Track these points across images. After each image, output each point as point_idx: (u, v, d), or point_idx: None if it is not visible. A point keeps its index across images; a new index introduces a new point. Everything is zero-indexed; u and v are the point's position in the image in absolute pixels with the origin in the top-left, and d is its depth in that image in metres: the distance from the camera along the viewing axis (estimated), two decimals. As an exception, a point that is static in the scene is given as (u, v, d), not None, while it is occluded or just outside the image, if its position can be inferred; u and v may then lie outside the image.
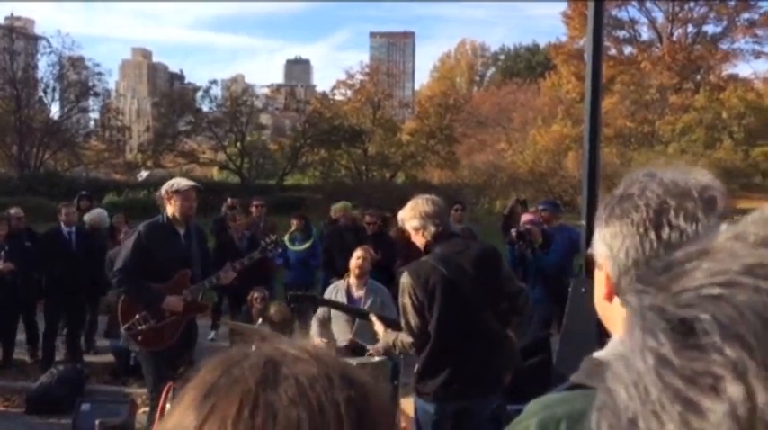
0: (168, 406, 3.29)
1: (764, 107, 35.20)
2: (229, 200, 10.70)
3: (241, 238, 8.83)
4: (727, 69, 38.85)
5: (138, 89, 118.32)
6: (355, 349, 5.07)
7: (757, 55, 38.56)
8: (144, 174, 37.55)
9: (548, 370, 5.09)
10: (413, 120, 40.28)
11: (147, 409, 5.69)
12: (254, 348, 0.67)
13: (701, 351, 0.37)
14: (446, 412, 3.70)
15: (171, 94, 44.76)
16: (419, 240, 3.80)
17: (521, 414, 1.20)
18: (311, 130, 34.68)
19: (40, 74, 37.80)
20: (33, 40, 42.95)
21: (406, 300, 3.70)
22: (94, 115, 42.25)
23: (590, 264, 1.32)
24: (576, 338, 3.95)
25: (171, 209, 5.14)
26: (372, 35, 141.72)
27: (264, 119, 43.40)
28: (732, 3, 37.21)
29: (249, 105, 36.42)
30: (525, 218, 7.67)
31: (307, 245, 9.10)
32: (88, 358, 8.18)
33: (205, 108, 37.07)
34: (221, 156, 37.08)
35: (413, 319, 3.69)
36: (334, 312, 5.38)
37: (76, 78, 37.15)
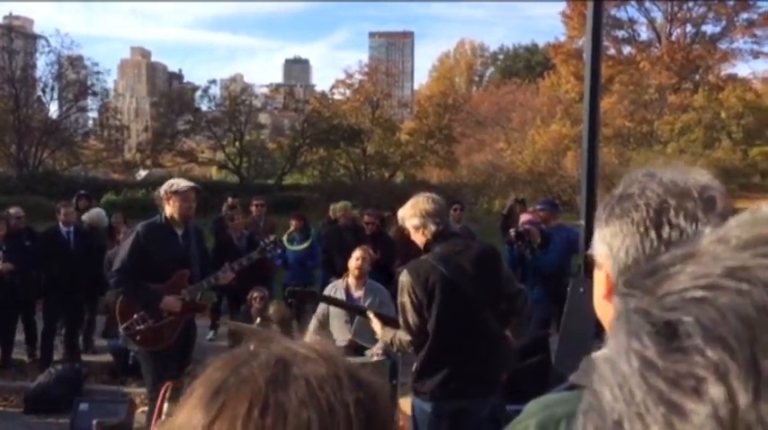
0: (166, 405, 3.29)
1: (763, 107, 35.22)
2: (230, 199, 10.70)
3: (240, 238, 8.83)
4: (726, 69, 38.94)
5: (136, 88, 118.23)
6: (356, 349, 5.08)
7: (756, 55, 38.62)
8: (142, 173, 37.53)
9: (546, 370, 5.08)
10: (412, 119, 40.27)
11: (145, 409, 5.69)
12: (262, 347, 0.67)
13: (684, 353, 0.38)
14: (443, 411, 3.70)
15: (170, 94, 44.75)
16: (419, 239, 3.79)
17: (520, 414, 1.19)
18: (310, 130, 34.66)
19: (38, 73, 37.83)
20: (32, 39, 42.94)
21: (405, 298, 3.69)
22: (93, 114, 42.27)
23: (589, 264, 1.32)
24: (575, 338, 3.95)
25: (170, 209, 5.14)
26: (371, 35, 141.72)
27: (263, 118, 43.39)
28: (731, 3, 37.24)
29: (248, 105, 36.40)
30: (524, 218, 7.68)
31: (305, 245, 9.11)
32: (86, 358, 8.17)
33: (204, 107, 37.10)
34: (220, 156, 37.06)
35: (411, 318, 3.68)
36: (333, 312, 5.37)
37: (75, 78, 37.12)
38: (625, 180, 1.19)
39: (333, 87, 38.60)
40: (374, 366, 4.52)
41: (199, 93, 38.04)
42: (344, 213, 9.55)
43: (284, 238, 8.58)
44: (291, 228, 9.24)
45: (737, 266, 0.39)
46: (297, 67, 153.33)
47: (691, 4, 38.33)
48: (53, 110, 37.71)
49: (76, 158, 36.41)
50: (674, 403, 0.37)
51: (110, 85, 48.06)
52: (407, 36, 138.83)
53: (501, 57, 67.26)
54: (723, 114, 34.12)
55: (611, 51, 37.28)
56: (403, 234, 9.17)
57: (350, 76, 37.58)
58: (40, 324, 8.19)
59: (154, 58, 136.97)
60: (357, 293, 5.47)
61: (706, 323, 0.37)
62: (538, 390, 1.34)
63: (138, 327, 5.06)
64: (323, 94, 39.62)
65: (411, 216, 3.76)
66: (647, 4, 38.87)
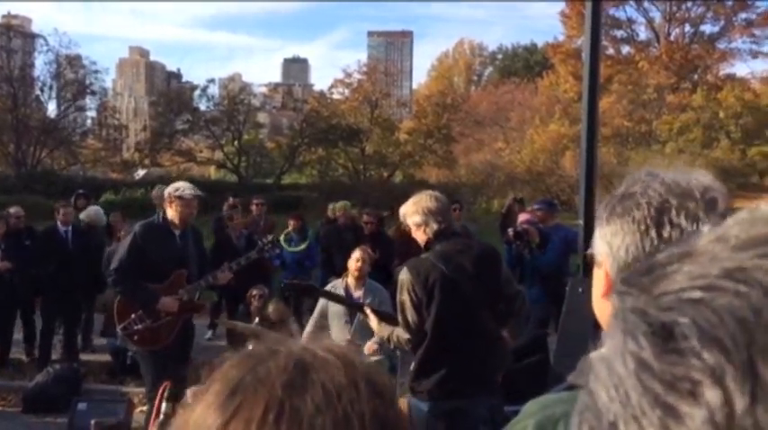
0: (164, 405, 3.28)
1: (762, 107, 35.23)
2: (231, 199, 10.70)
3: (239, 237, 8.83)
4: (725, 69, 38.93)
5: (135, 88, 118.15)
6: (354, 349, 5.07)
7: (755, 54, 38.63)
8: (141, 172, 37.49)
9: (545, 369, 5.09)
10: (410, 119, 40.26)
11: (144, 409, 5.68)
12: (281, 346, 0.66)
13: (681, 355, 0.37)
14: (440, 411, 3.69)
15: (168, 93, 44.71)
16: (420, 237, 3.77)
17: (518, 415, 1.19)
18: (309, 129, 34.65)
19: (36, 72, 37.78)
20: (30, 38, 42.86)
21: (404, 296, 3.68)
22: (91, 114, 42.18)
23: (588, 264, 1.31)
24: (574, 338, 3.95)
25: (171, 212, 5.14)
26: (370, 34, 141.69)
27: (262, 117, 43.35)
28: (729, 2, 37.24)
29: (246, 104, 36.37)
30: (522, 218, 7.68)
31: (303, 246, 9.14)
32: (85, 357, 8.17)
33: (202, 107, 37.05)
34: (218, 155, 37.03)
35: (411, 316, 3.68)
36: (332, 313, 5.37)
37: (73, 77, 37.06)
38: (627, 179, 1.19)
39: (331, 87, 38.62)
40: (373, 366, 4.52)
41: (197, 92, 38.00)
42: (344, 213, 9.55)
43: (281, 238, 8.58)
44: (289, 229, 9.25)
45: (735, 267, 0.38)
46: (295, 67, 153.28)
47: (689, 3, 38.36)
48: (51, 109, 37.70)
49: (75, 158, 36.37)
50: (670, 406, 0.37)
51: (108, 84, 48.08)
52: (406, 36, 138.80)
53: (500, 56, 67.23)
54: (721, 114, 34.14)
55: (610, 51, 37.28)
56: (402, 233, 9.22)
57: (348, 75, 37.59)
58: (39, 323, 8.18)
59: (152, 58, 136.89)
60: (356, 293, 5.47)
61: (703, 325, 0.37)
62: (536, 390, 1.34)
63: (135, 327, 5.06)
64: (321, 94, 39.61)
65: (413, 213, 3.75)
66: (646, 4, 38.91)
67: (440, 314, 3.64)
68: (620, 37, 39.76)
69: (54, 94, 37.22)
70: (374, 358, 4.83)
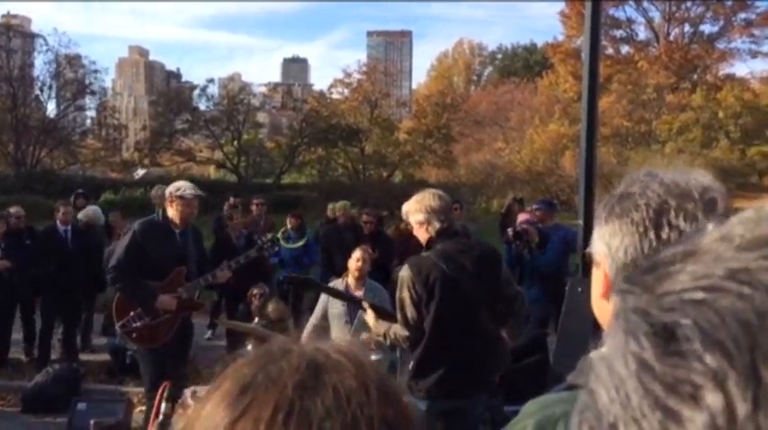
0: (164, 405, 3.28)
1: (761, 107, 35.24)
2: (231, 199, 10.70)
3: (239, 237, 8.83)
4: (724, 69, 38.95)
5: (134, 87, 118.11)
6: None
7: (754, 54, 38.65)
8: (140, 172, 37.50)
9: (544, 369, 5.09)
10: (410, 119, 40.28)
11: (143, 408, 5.68)
12: (294, 345, 0.67)
13: (682, 358, 0.37)
14: (439, 410, 3.69)
15: (168, 93, 44.75)
16: (422, 235, 3.76)
17: (518, 414, 1.19)
18: (308, 129, 34.66)
19: (36, 72, 37.80)
20: (30, 38, 42.80)
21: (404, 293, 3.68)
22: (91, 113, 42.22)
23: (588, 263, 1.31)
24: (573, 338, 3.95)
25: (171, 212, 5.14)
26: (370, 34, 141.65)
27: (261, 117, 43.35)
28: (729, 2, 37.25)
29: (246, 104, 36.37)
30: (521, 217, 7.68)
31: (300, 243, 9.17)
32: (84, 357, 8.17)
33: (202, 106, 37.08)
34: (218, 155, 37.03)
35: (410, 313, 3.67)
36: (332, 313, 5.36)
37: (73, 76, 37.06)
38: (626, 179, 1.19)
39: (331, 87, 38.66)
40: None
41: (197, 92, 38.07)
42: (344, 213, 9.56)
43: (279, 235, 8.60)
44: (288, 226, 9.28)
45: (740, 268, 0.38)
46: (295, 67, 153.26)
47: (689, 3, 38.37)
48: (51, 109, 37.70)
49: (74, 157, 36.38)
50: (671, 409, 0.36)
51: (108, 83, 48.07)
52: (406, 35, 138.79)
53: (499, 56, 67.23)
54: (721, 114, 34.15)
55: (610, 51, 37.29)
56: (401, 233, 9.22)
57: (348, 75, 37.61)
58: (38, 323, 8.18)
59: (152, 57, 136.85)
60: (357, 293, 5.45)
61: (705, 327, 0.37)
62: (536, 390, 1.34)
63: (134, 325, 5.06)
64: (321, 94, 39.63)
65: (416, 211, 3.74)
66: (645, 4, 38.93)
67: (439, 313, 3.63)
68: (620, 37, 39.81)
69: (53, 94, 37.25)
70: (373, 358, 4.82)
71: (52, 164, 35.94)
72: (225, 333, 8.22)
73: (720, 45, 38.82)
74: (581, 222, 4.32)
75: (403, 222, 9.05)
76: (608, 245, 1.15)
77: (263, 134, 41.32)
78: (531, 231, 7.05)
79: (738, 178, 30.97)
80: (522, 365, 5.24)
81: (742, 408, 0.34)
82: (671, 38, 39.07)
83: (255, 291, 6.97)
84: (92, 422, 5.43)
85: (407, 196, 3.96)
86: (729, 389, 0.35)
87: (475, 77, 65.81)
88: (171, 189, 5.21)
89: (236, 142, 35.63)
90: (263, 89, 43.46)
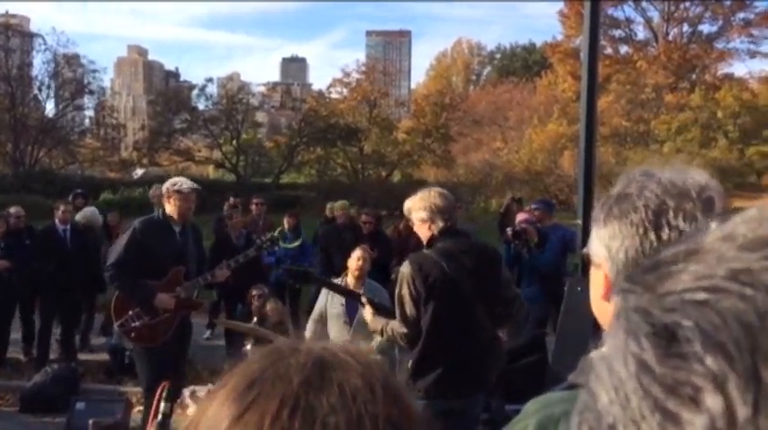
0: (162, 405, 3.28)
1: (759, 106, 35.25)
2: (231, 199, 10.70)
3: (238, 236, 8.83)
4: (723, 69, 38.98)
5: (133, 87, 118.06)
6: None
7: (752, 54, 38.67)
8: (139, 172, 37.48)
9: (543, 369, 5.09)
10: (409, 118, 40.30)
11: (141, 408, 5.68)
12: (303, 344, 0.68)
13: (683, 359, 0.36)
14: (437, 410, 3.69)
15: (166, 92, 44.77)
16: (424, 233, 3.75)
17: (519, 414, 1.19)
18: (307, 129, 34.66)
19: (34, 71, 37.81)
20: (29, 37, 42.77)
21: (404, 290, 3.67)
22: (89, 113, 42.26)
23: (586, 264, 1.32)
24: (572, 337, 3.95)
25: (169, 207, 5.14)
26: (369, 34, 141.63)
27: (260, 117, 43.34)
28: (728, 2, 37.28)
29: (245, 103, 36.37)
30: (520, 217, 7.69)
31: (296, 243, 9.18)
32: (83, 357, 8.16)
33: (201, 106, 37.06)
34: (217, 155, 37.03)
35: (409, 309, 3.67)
36: (331, 313, 5.35)
37: (71, 76, 37.06)
38: (622, 179, 1.19)
39: (330, 86, 38.69)
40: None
41: (195, 91, 38.03)
42: (343, 212, 9.55)
43: (275, 234, 8.61)
44: (285, 226, 9.28)
45: (742, 268, 0.38)
46: (294, 66, 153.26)
47: (687, 3, 38.38)
48: (49, 108, 37.70)
49: (73, 157, 36.36)
50: (670, 412, 0.36)
51: (106, 83, 48.10)
52: (404, 35, 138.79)
53: (498, 56, 67.26)
54: (720, 114, 34.15)
55: (608, 51, 37.29)
56: (400, 233, 9.22)
57: (347, 74, 37.65)
58: (37, 322, 8.17)
59: (150, 57, 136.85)
60: (355, 293, 5.46)
61: (706, 328, 0.36)
62: (534, 390, 1.34)
63: (132, 324, 5.06)
64: (320, 93, 39.66)
65: (419, 208, 3.73)
66: (644, 4, 38.93)
67: (437, 311, 3.63)
68: (619, 36, 39.83)
69: (52, 94, 37.24)
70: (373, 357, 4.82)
71: (51, 163, 35.93)
72: (224, 332, 8.22)
73: (719, 45, 38.86)
74: (580, 222, 4.33)
75: (402, 221, 9.09)
76: (608, 247, 1.15)
77: (261, 134, 41.33)
78: (529, 231, 7.05)
79: (737, 178, 31.01)
80: (520, 365, 5.24)
81: (742, 411, 0.34)
82: (670, 38, 39.08)
83: (255, 292, 6.97)
84: (90, 422, 5.43)
85: (406, 196, 3.95)
86: (730, 391, 0.35)
87: (474, 77, 65.82)
88: (168, 185, 5.23)
89: (234, 142, 35.62)
90: (262, 89, 43.50)
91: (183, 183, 5.27)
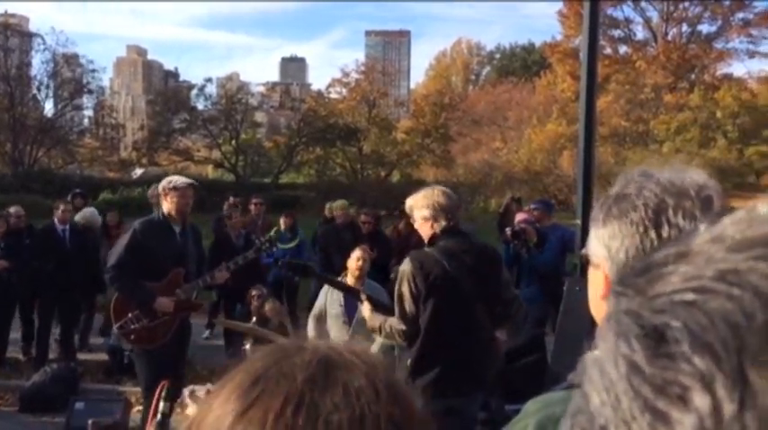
0: (162, 405, 3.27)
1: (759, 106, 35.26)
2: (231, 198, 10.70)
3: (238, 237, 8.83)
4: (722, 69, 39.00)
5: (132, 87, 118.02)
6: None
7: (752, 54, 38.70)
8: (138, 171, 37.46)
9: (542, 369, 5.09)
10: (408, 118, 40.32)
11: (141, 408, 5.67)
12: (308, 343, 0.68)
13: (671, 359, 0.37)
14: (435, 409, 3.69)
15: (166, 92, 44.79)
16: (426, 231, 3.74)
17: (519, 413, 1.19)
18: (306, 129, 34.67)
19: (33, 71, 37.78)
20: (28, 37, 42.74)
21: (404, 287, 3.67)
22: (88, 113, 42.21)
23: (585, 264, 1.32)
24: (571, 337, 3.95)
25: (167, 205, 5.14)
26: (368, 33, 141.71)
27: (259, 117, 43.35)
28: (727, 2, 37.30)
29: (244, 103, 36.38)
30: (519, 217, 7.69)
31: (293, 243, 9.18)
32: (82, 356, 8.15)
33: (200, 106, 37.06)
34: (216, 155, 37.03)
35: (408, 306, 3.67)
36: (330, 313, 5.36)
37: (71, 76, 37.06)
38: (620, 180, 1.19)
39: (329, 86, 38.71)
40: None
41: (195, 91, 38.06)
42: (342, 212, 9.54)
43: (271, 234, 8.62)
44: (282, 226, 9.29)
45: (729, 269, 0.38)
46: (293, 66, 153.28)
47: (687, 3, 38.40)
48: (48, 108, 37.72)
49: (72, 157, 36.35)
50: (660, 411, 0.36)
51: (105, 83, 48.14)
52: (404, 35, 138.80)
53: (497, 56, 67.27)
54: (719, 114, 34.17)
55: (608, 51, 37.32)
56: (399, 233, 9.21)
57: (346, 74, 37.66)
58: (37, 322, 8.17)
59: (150, 56, 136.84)
60: (355, 293, 5.46)
61: (694, 329, 0.37)
62: (534, 390, 1.34)
63: (132, 326, 5.06)
64: (319, 93, 39.71)
65: (422, 206, 3.72)
66: (643, 4, 38.96)
67: (437, 310, 3.63)
68: (618, 36, 39.85)
69: (51, 93, 37.25)
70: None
71: (50, 163, 35.92)
72: (223, 332, 8.23)
73: (718, 45, 38.88)
74: (579, 222, 4.33)
75: (402, 221, 9.08)
76: (607, 247, 1.15)
77: (261, 133, 41.36)
78: (529, 231, 7.05)
79: (736, 178, 31.02)
80: (519, 365, 5.24)
81: (728, 410, 0.35)
82: (669, 38, 39.10)
83: (254, 292, 6.98)
84: (89, 421, 5.42)
85: (406, 196, 3.95)
86: (717, 390, 0.35)
87: (473, 77, 65.83)
88: (163, 183, 5.24)
89: (234, 141, 35.62)
90: (262, 88, 43.51)
91: (178, 179, 5.30)
